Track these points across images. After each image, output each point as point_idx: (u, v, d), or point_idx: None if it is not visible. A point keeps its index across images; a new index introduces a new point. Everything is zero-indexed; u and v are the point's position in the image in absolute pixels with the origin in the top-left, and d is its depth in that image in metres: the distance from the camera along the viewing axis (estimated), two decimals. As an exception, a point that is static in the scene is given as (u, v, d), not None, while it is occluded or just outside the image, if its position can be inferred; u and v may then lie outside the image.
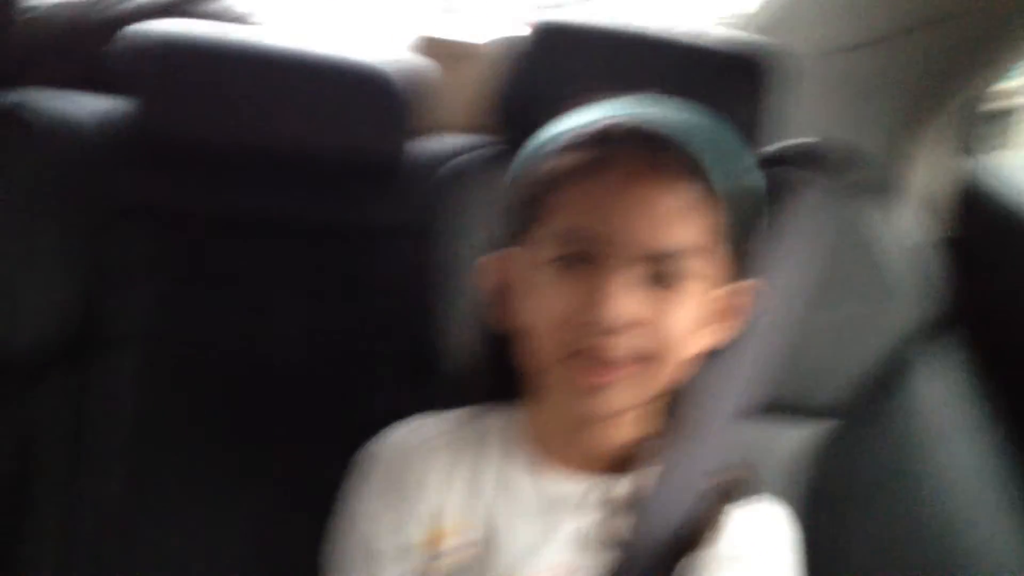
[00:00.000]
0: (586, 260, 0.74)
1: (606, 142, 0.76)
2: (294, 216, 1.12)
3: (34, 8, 1.19)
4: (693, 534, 0.78)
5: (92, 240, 1.04)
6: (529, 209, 0.79)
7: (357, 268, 1.10)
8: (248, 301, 1.08)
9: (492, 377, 0.86)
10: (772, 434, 1.07)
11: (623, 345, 0.73)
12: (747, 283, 0.82)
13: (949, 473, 1.06)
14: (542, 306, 0.76)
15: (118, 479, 1.00)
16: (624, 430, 0.82)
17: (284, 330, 1.07)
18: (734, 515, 0.81)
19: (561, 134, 0.79)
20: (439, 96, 1.14)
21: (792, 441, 1.08)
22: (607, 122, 0.78)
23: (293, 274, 1.10)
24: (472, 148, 1.13)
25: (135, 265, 1.05)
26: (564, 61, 1.06)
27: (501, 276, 0.82)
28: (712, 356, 0.82)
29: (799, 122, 1.10)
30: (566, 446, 0.82)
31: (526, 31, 1.08)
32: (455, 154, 1.13)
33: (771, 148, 1.04)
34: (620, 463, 0.82)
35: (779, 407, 1.03)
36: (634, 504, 0.79)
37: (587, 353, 0.74)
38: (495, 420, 0.86)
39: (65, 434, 1.00)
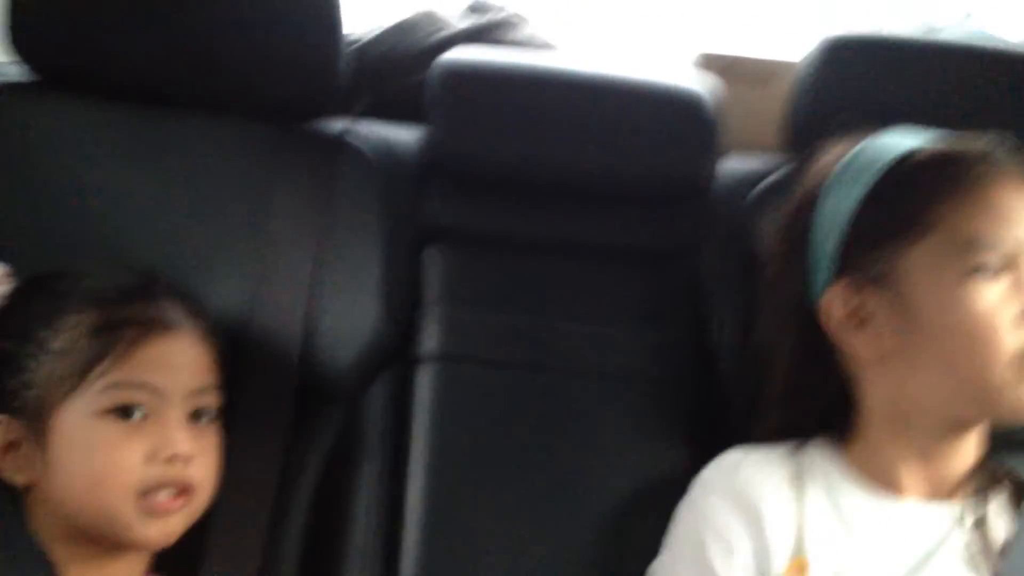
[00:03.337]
0: None
1: None
2: (588, 240, 1.13)
3: (356, 40, 1.29)
4: None
5: (407, 261, 1.09)
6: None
7: (654, 290, 1.11)
8: (539, 322, 1.08)
9: (802, 406, 0.89)
10: None
11: None
12: None
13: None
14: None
15: (430, 492, 1.01)
16: (970, 453, 0.83)
17: (575, 352, 1.07)
18: None
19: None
20: (728, 114, 1.15)
21: None
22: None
23: (584, 297, 1.10)
24: (774, 168, 1.12)
25: (437, 286, 1.09)
26: (855, 76, 1.05)
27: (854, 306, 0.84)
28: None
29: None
30: (909, 475, 0.83)
31: (815, 45, 1.07)
32: (762, 175, 1.12)
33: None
34: (956, 489, 0.83)
35: None
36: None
37: None
38: (812, 452, 0.87)
39: (374, 449, 1.04)
